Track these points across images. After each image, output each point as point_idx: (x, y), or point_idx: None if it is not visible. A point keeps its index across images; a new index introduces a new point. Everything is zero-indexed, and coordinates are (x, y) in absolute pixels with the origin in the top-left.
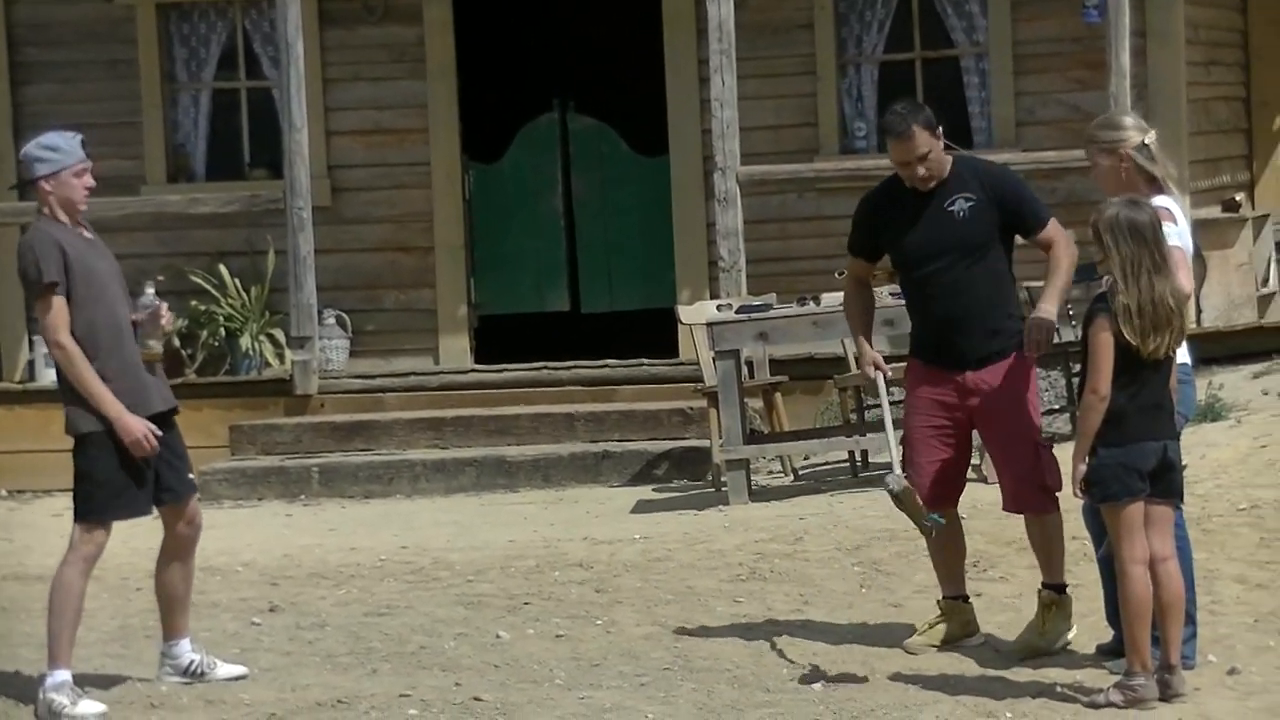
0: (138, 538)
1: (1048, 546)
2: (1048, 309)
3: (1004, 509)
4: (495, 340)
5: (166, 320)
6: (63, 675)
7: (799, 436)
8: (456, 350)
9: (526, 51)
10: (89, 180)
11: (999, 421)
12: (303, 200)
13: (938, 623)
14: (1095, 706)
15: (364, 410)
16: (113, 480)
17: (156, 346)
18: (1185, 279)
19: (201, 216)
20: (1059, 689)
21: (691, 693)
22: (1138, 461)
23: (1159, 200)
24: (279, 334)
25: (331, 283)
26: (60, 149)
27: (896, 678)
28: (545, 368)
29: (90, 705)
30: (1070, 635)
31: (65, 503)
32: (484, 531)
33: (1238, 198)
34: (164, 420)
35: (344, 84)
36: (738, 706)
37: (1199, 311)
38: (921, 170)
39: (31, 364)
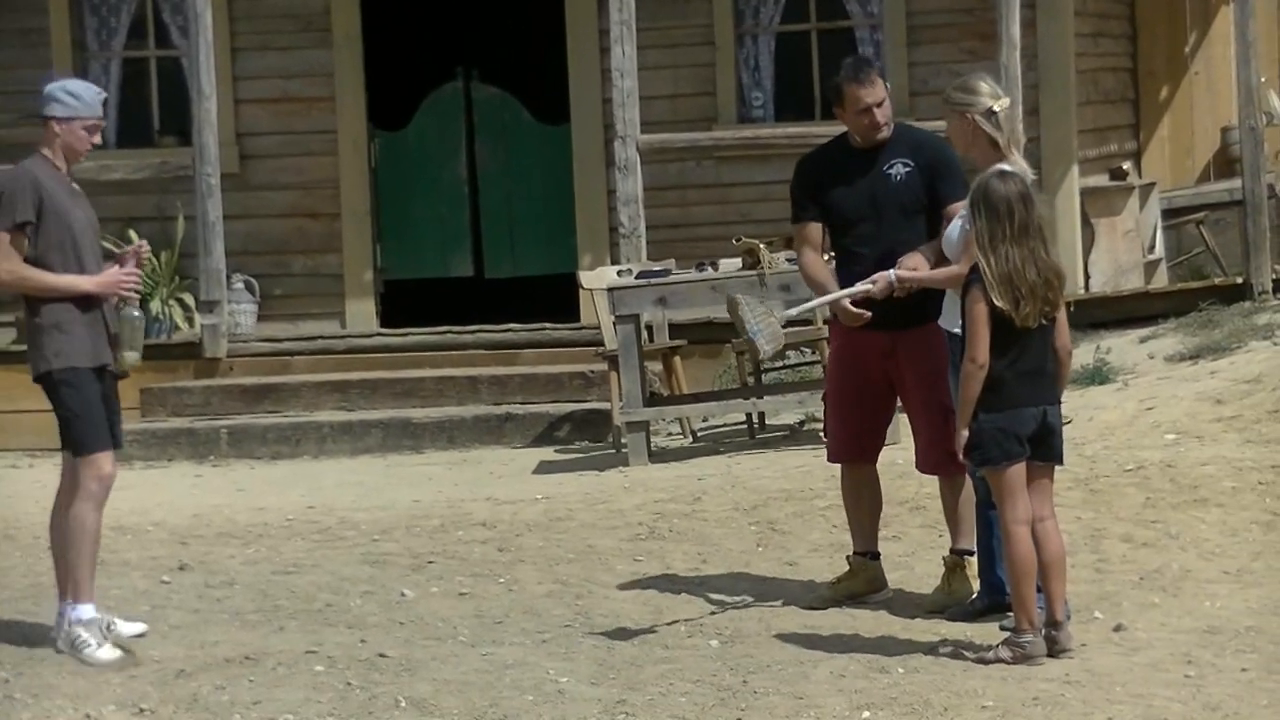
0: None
1: (956, 510)
2: (908, 265)
3: (917, 469)
4: (400, 305)
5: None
6: (89, 611)
7: (697, 399)
8: (362, 314)
9: (431, 21)
10: (96, 138)
11: (915, 385)
12: (211, 167)
13: (844, 578)
14: (984, 663)
15: (272, 373)
16: (92, 410)
17: (134, 359)
18: (967, 264)
19: (112, 183)
20: (950, 645)
21: (592, 649)
22: (1017, 426)
23: (998, 166)
24: (188, 298)
25: (240, 248)
26: (81, 99)
27: (791, 634)
28: (449, 332)
29: (110, 652)
30: (973, 597)
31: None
32: (389, 492)
33: (1125, 166)
34: (110, 379)
35: (252, 53)
36: (636, 663)
37: (1087, 277)
38: (880, 117)
39: None
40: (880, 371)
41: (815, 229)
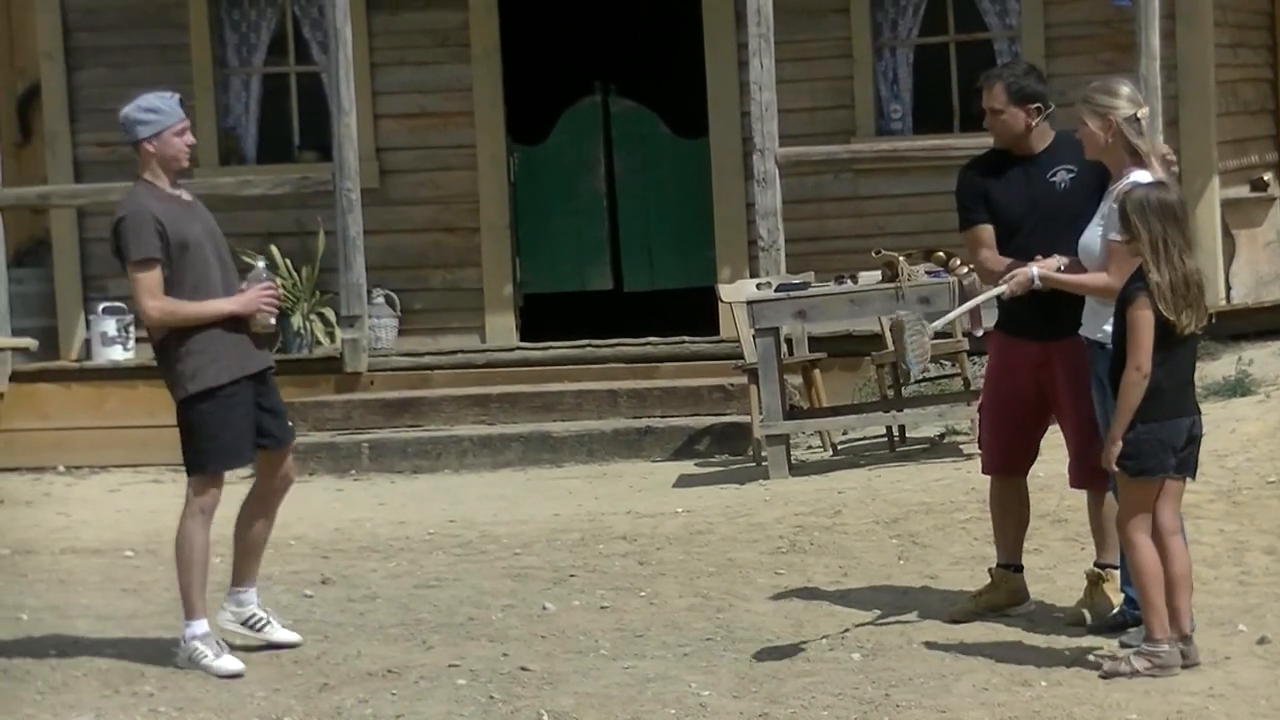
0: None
1: (1101, 524)
2: (1045, 266)
3: (1069, 485)
4: (540, 318)
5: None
6: (202, 626)
7: (837, 412)
8: (502, 328)
9: (569, 35)
10: (189, 137)
11: (1067, 396)
12: (351, 182)
13: (985, 590)
14: (1118, 674)
15: (412, 387)
16: (217, 434)
17: (270, 320)
18: (1118, 272)
19: (252, 198)
20: (1092, 658)
21: (733, 662)
22: (1172, 437)
23: (1137, 174)
24: (329, 313)
25: (379, 262)
26: (160, 109)
27: (933, 647)
28: (589, 345)
29: (230, 661)
30: (1115, 610)
31: (121, 478)
32: (530, 505)
33: (1265, 177)
34: (262, 378)
35: (390, 68)
36: (778, 676)
37: (1228, 289)
38: (993, 124)
39: (88, 342)
40: (1033, 383)
41: (986, 230)
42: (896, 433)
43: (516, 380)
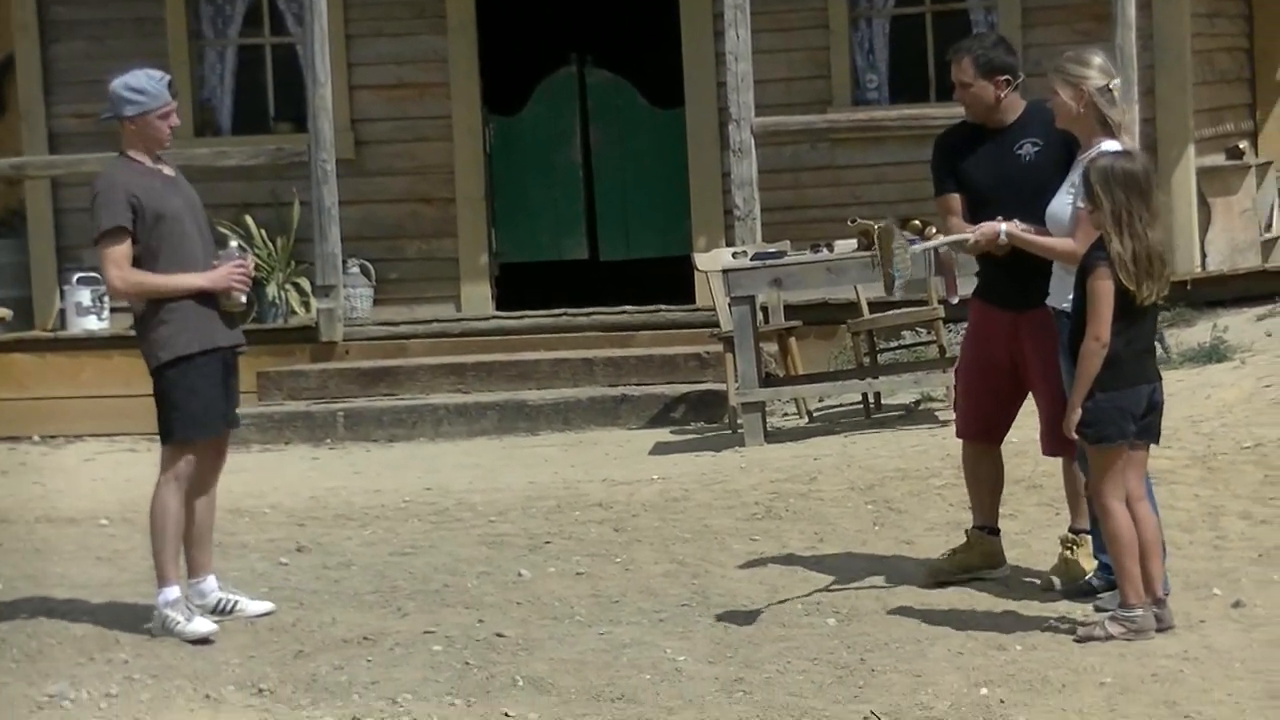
0: None
1: (1075, 491)
2: (1011, 223)
3: (1042, 453)
4: (516, 288)
5: (249, 268)
6: (174, 592)
7: (813, 380)
8: (478, 298)
9: (545, 6)
10: (174, 120)
11: (1037, 366)
12: (327, 153)
13: (960, 550)
14: (1092, 638)
15: (388, 356)
16: (189, 402)
17: (240, 299)
18: (1085, 240)
19: (228, 169)
20: (1066, 623)
21: (709, 628)
22: (1131, 405)
23: (1106, 144)
24: (304, 283)
25: (355, 233)
26: (147, 91)
27: (908, 612)
28: (565, 314)
29: (202, 623)
30: (1089, 576)
31: (96, 447)
32: (505, 473)
33: (1241, 145)
34: (231, 356)
35: (366, 39)
36: (754, 641)
37: (1204, 256)
38: (964, 97)
39: (62, 313)
40: (1007, 353)
41: (955, 199)
42: (872, 400)
43: (492, 349)
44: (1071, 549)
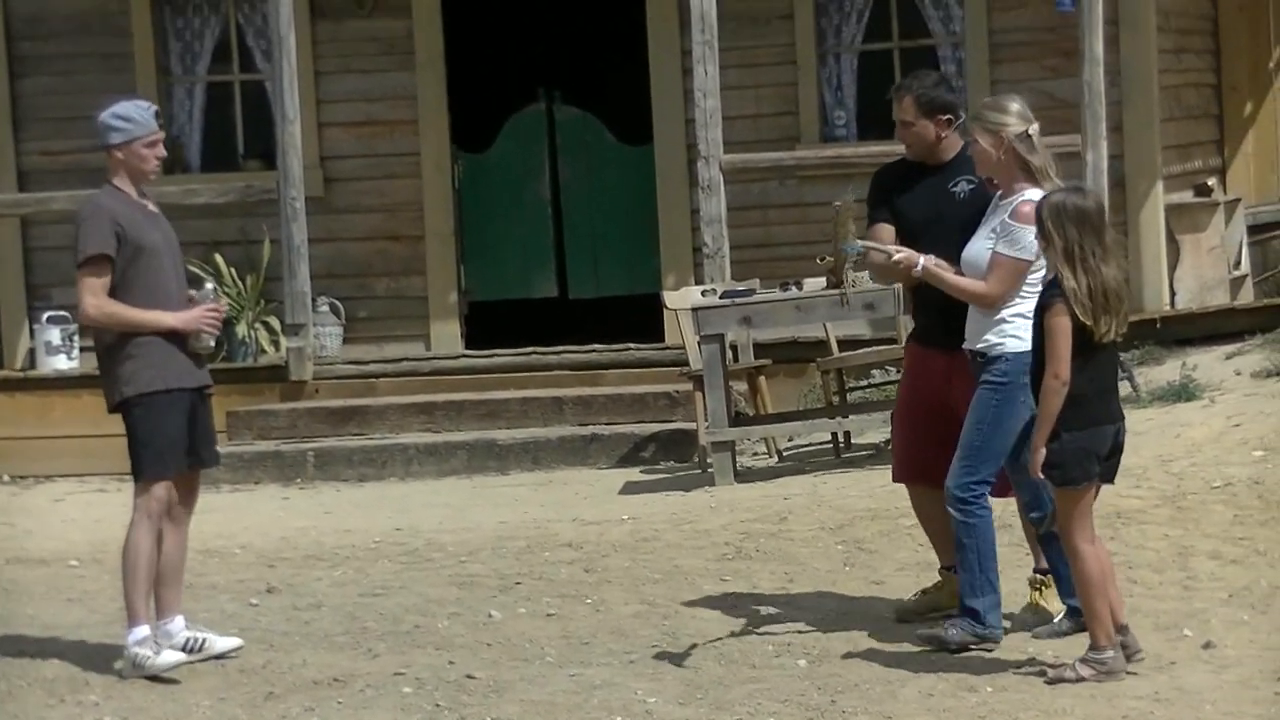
0: None
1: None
2: (929, 260)
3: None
4: (485, 326)
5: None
6: (143, 631)
7: (783, 418)
8: (447, 336)
9: (513, 43)
10: (160, 151)
11: (967, 407)
12: (296, 190)
13: (930, 589)
14: (1063, 680)
15: (357, 395)
16: (150, 440)
17: (209, 342)
18: (995, 284)
19: (197, 207)
20: (1038, 665)
21: (679, 670)
22: (1097, 445)
23: (1029, 192)
24: (274, 321)
25: (325, 271)
26: (134, 119)
27: (879, 653)
28: (534, 353)
29: (171, 655)
30: (1059, 617)
31: (66, 488)
32: (475, 513)
33: (1210, 182)
34: (199, 396)
35: (335, 76)
36: (724, 683)
37: (1172, 294)
38: (904, 136)
39: (32, 351)
40: (942, 394)
41: (884, 229)
42: (842, 439)
43: (462, 388)
44: (1040, 590)
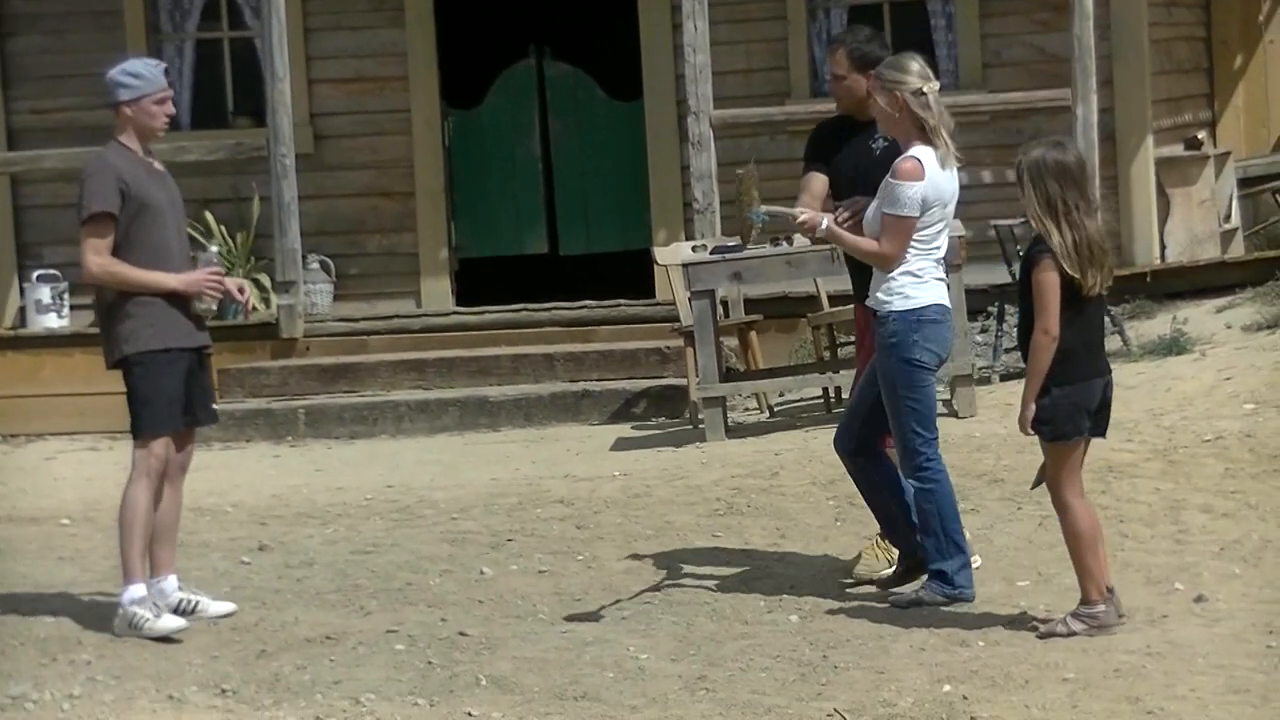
0: None
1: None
2: (830, 220)
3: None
4: (476, 283)
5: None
6: (140, 590)
7: (774, 374)
8: (438, 293)
9: None
10: (169, 108)
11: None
12: (286, 148)
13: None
14: (1056, 635)
15: (348, 353)
16: (150, 398)
17: (211, 305)
18: (888, 243)
19: (187, 164)
20: (1029, 619)
21: (671, 625)
22: (1086, 400)
23: (917, 149)
24: (264, 279)
25: (315, 228)
26: (143, 76)
27: (871, 609)
28: (525, 309)
29: (171, 620)
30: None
31: (58, 446)
32: (467, 470)
33: (1200, 136)
34: (198, 356)
35: (325, 33)
36: (716, 638)
37: (1163, 248)
38: (836, 89)
39: (22, 310)
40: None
41: (814, 179)
42: (833, 394)
43: (453, 345)
44: (882, 542)
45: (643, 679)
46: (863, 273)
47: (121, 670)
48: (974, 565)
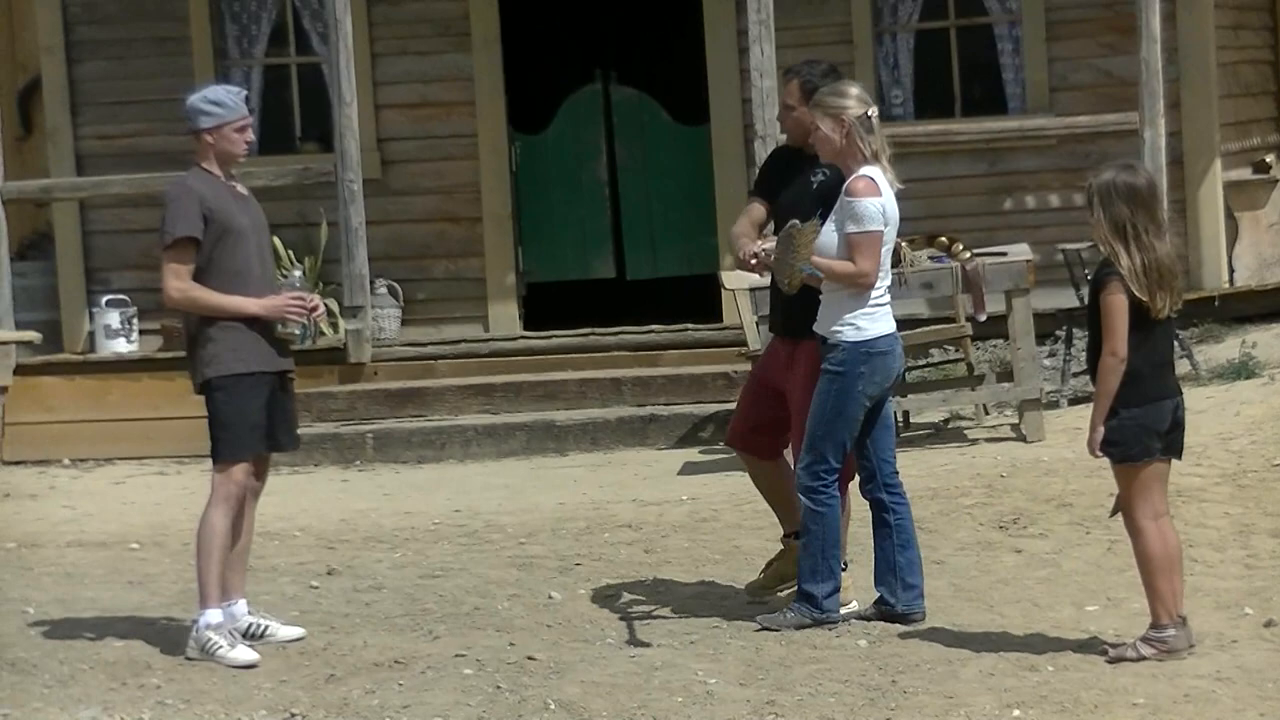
0: (197, 505)
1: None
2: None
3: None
4: (543, 307)
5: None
6: (216, 615)
7: None
8: (505, 317)
9: (569, 23)
10: (249, 135)
11: (802, 395)
12: (353, 173)
13: (776, 559)
14: (1125, 660)
15: (416, 377)
16: (238, 421)
17: (294, 329)
18: (863, 261)
19: (254, 190)
20: (1099, 644)
21: (740, 650)
22: (1155, 421)
23: (867, 169)
24: (332, 304)
25: (382, 253)
26: (225, 103)
27: (940, 633)
28: (592, 334)
29: (245, 652)
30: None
31: (126, 471)
32: (534, 494)
33: (1267, 159)
34: (281, 381)
35: (391, 58)
36: (785, 663)
37: (1231, 271)
38: (784, 119)
39: (92, 335)
40: (781, 380)
41: (755, 208)
42: (901, 418)
43: (520, 369)
44: (789, 552)
45: (711, 703)
46: (792, 304)
47: (191, 694)
48: (849, 610)
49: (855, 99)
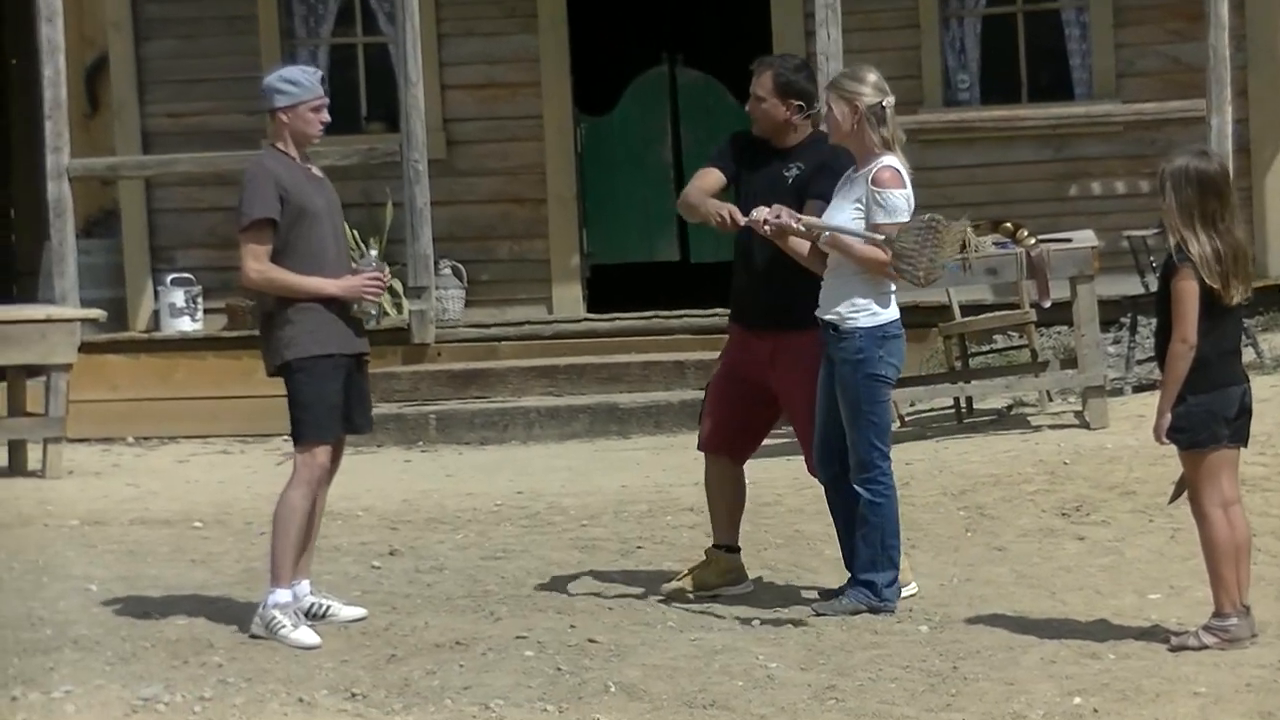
0: (260, 484)
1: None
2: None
3: (809, 472)
4: (607, 290)
5: (385, 281)
6: (285, 595)
7: (904, 383)
8: (569, 299)
9: (636, 5)
10: (324, 116)
11: (799, 392)
12: (419, 153)
13: (697, 568)
14: (1188, 648)
15: (479, 359)
16: (318, 403)
17: (369, 309)
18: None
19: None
20: (1160, 631)
21: (800, 634)
22: (1223, 408)
23: (888, 158)
24: (396, 284)
25: (447, 234)
26: (300, 83)
27: (1001, 619)
28: (656, 316)
29: (307, 634)
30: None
31: (190, 449)
32: (597, 477)
33: None
34: (357, 363)
35: (457, 39)
36: (846, 648)
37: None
38: (753, 109)
39: (156, 314)
40: (761, 378)
41: (712, 174)
42: (964, 404)
43: (583, 351)
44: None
45: (771, 688)
46: (764, 295)
47: (253, 673)
48: (909, 592)
49: (872, 86)
